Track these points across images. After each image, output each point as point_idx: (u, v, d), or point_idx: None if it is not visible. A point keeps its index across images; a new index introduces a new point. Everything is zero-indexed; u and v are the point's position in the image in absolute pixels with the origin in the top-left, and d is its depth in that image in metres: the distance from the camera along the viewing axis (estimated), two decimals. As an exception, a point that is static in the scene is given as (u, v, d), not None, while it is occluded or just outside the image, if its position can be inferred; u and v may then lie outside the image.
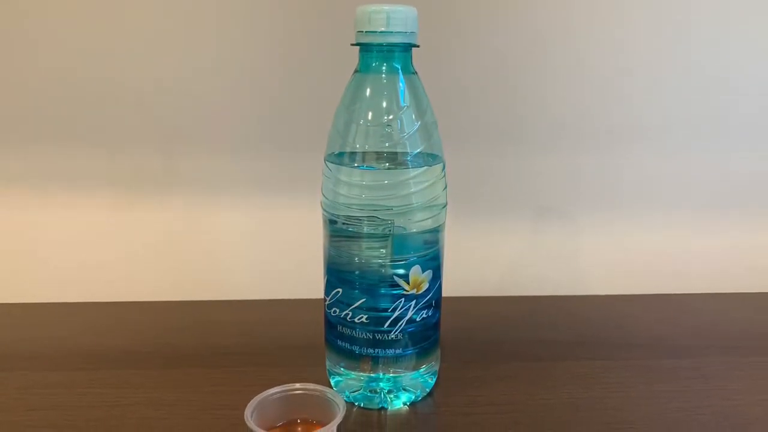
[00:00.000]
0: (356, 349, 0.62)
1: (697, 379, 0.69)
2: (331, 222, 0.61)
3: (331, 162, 0.60)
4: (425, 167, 0.59)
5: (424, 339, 0.63)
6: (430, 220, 0.60)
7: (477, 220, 0.91)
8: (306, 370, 0.68)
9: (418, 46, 0.59)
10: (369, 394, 0.63)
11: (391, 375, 0.63)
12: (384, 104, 0.58)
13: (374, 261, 0.59)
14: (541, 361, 0.73)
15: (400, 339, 0.61)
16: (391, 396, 0.63)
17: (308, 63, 0.84)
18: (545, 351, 0.75)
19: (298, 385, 0.58)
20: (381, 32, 0.56)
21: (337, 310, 0.62)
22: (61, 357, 0.73)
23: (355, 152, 0.59)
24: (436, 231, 0.61)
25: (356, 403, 0.64)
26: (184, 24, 0.83)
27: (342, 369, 0.64)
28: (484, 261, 0.93)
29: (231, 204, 0.89)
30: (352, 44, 0.59)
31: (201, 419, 0.61)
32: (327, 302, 0.63)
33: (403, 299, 0.60)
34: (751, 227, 0.93)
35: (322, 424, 0.55)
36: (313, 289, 0.75)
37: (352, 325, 0.61)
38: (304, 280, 0.79)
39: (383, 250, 0.59)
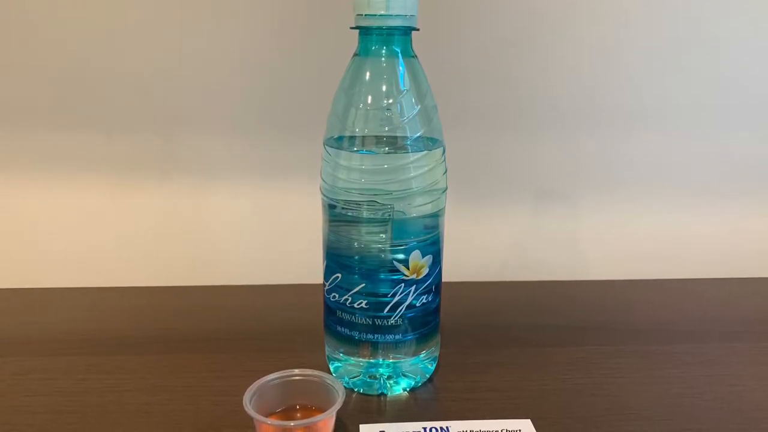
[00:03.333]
0: (356, 334, 0.61)
1: (698, 364, 0.69)
2: (330, 207, 0.60)
3: (331, 146, 0.59)
4: (425, 151, 0.58)
5: (424, 324, 0.63)
6: (429, 205, 0.60)
7: (477, 205, 0.91)
8: (305, 356, 0.68)
9: (417, 30, 0.58)
10: (368, 380, 0.63)
11: (391, 361, 0.62)
12: (383, 88, 0.58)
13: (374, 246, 0.59)
14: (542, 347, 0.73)
15: (399, 324, 0.61)
16: (391, 382, 0.63)
17: (307, 46, 0.84)
18: (546, 336, 0.75)
19: (297, 371, 0.58)
20: (380, 15, 0.56)
21: (337, 296, 0.61)
22: (58, 342, 0.73)
23: (355, 136, 0.58)
24: (436, 216, 0.61)
25: (355, 389, 0.64)
26: (183, 8, 0.82)
27: (341, 355, 0.63)
28: (485, 246, 0.93)
29: (230, 188, 0.88)
30: (352, 27, 0.58)
31: (199, 405, 0.61)
32: (326, 287, 0.63)
33: (402, 284, 0.60)
34: (754, 212, 0.93)
35: (322, 410, 0.55)
36: (312, 274, 0.75)
37: (352, 310, 0.61)
38: (304, 265, 0.79)
39: (383, 235, 0.58)
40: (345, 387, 0.58)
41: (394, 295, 0.60)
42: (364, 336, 0.61)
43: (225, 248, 0.91)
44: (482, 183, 0.90)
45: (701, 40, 0.86)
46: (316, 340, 0.68)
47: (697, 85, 0.88)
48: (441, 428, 0.58)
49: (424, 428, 0.58)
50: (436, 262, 0.62)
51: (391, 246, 0.59)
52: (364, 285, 0.60)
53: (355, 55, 0.59)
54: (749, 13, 0.85)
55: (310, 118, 0.78)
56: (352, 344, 0.62)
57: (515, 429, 0.58)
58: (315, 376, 0.58)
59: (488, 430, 0.58)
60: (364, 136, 0.58)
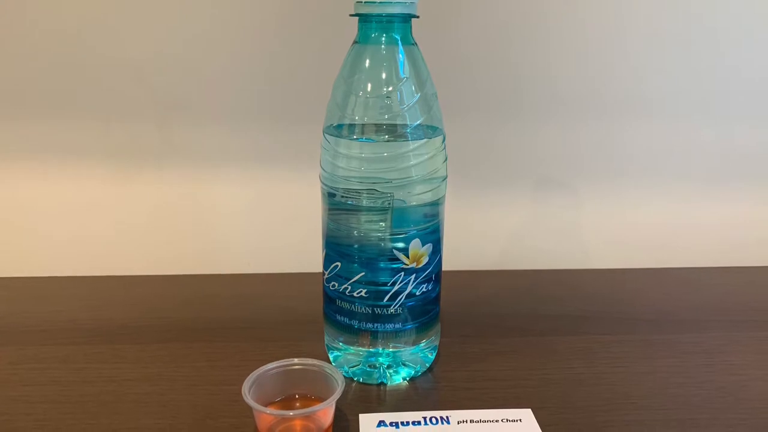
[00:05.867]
0: (355, 323, 0.61)
1: (699, 353, 0.69)
2: (330, 195, 0.60)
3: (330, 134, 0.59)
4: (425, 139, 0.58)
5: (424, 313, 0.62)
6: (429, 193, 0.59)
7: (477, 193, 0.90)
8: (304, 345, 0.68)
9: (417, 17, 0.58)
10: (368, 369, 0.63)
11: (391, 350, 0.62)
12: (383, 76, 0.57)
13: (373, 234, 0.58)
14: (542, 336, 0.73)
15: (399, 313, 0.60)
16: (391, 371, 0.63)
17: (307, 34, 0.83)
18: (546, 325, 0.75)
19: (296, 360, 0.58)
20: (380, 2, 0.55)
21: (336, 284, 0.61)
22: (56, 331, 0.72)
23: (354, 124, 0.58)
24: (436, 204, 0.61)
25: (355, 379, 0.63)
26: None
27: (341, 344, 0.63)
28: (485, 234, 0.92)
29: (229, 177, 0.88)
30: (351, 14, 0.58)
31: (198, 394, 0.61)
32: (326, 276, 0.63)
33: (402, 273, 0.59)
34: (756, 200, 0.93)
35: (321, 400, 0.55)
36: (311, 263, 0.75)
37: (351, 299, 0.60)
38: (303, 253, 0.79)
39: (383, 224, 0.58)
40: (344, 376, 0.58)
41: (393, 284, 0.59)
42: (363, 325, 0.61)
43: (223, 237, 0.90)
44: (483, 171, 0.90)
45: (703, 29, 0.86)
46: (316, 329, 0.68)
47: (699, 75, 0.87)
48: (441, 418, 0.58)
49: (424, 417, 0.58)
50: (436, 251, 0.61)
51: (391, 234, 0.58)
52: (363, 274, 0.59)
53: (355, 42, 0.58)
54: (751, 2, 0.85)
55: (310, 106, 0.78)
56: (351, 333, 0.62)
57: (515, 418, 0.58)
58: (314, 365, 0.58)
59: (488, 419, 0.58)
60: (363, 124, 0.58)
